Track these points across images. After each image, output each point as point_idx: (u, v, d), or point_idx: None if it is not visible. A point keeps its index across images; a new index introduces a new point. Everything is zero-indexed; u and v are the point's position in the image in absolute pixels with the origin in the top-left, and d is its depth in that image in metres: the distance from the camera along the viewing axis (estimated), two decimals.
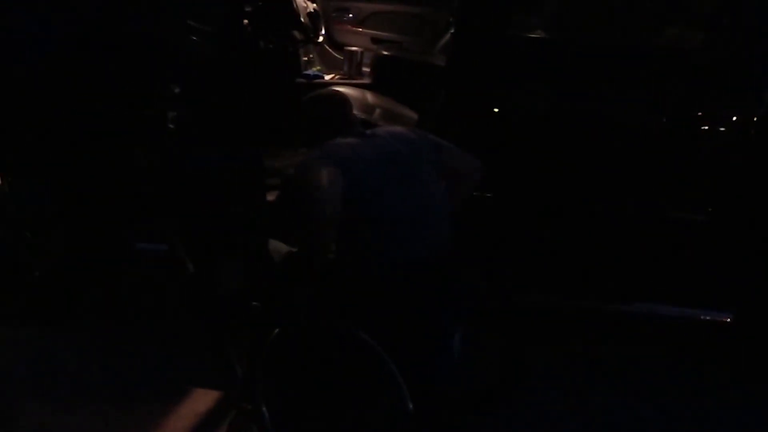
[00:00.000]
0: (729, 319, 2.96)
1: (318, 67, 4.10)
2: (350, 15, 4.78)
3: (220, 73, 2.62)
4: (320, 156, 2.22)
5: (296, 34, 3.37)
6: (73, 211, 3.01)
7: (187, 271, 2.44)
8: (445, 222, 2.32)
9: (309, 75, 3.77)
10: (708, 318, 2.97)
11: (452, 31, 3.83)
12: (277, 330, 2.22)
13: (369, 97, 3.53)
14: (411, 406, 2.07)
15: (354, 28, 4.71)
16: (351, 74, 4.05)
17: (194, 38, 2.63)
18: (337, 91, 2.48)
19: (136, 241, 3.12)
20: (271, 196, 2.68)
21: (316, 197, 2.12)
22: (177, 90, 2.47)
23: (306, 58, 3.70)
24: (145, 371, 2.82)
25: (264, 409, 2.31)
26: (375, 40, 4.61)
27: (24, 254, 3.12)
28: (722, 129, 2.83)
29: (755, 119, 2.81)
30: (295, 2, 3.33)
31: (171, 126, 2.46)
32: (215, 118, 2.57)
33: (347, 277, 2.22)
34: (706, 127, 2.83)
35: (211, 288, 2.44)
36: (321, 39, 3.72)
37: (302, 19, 3.38)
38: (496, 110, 2.89)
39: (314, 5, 3.70)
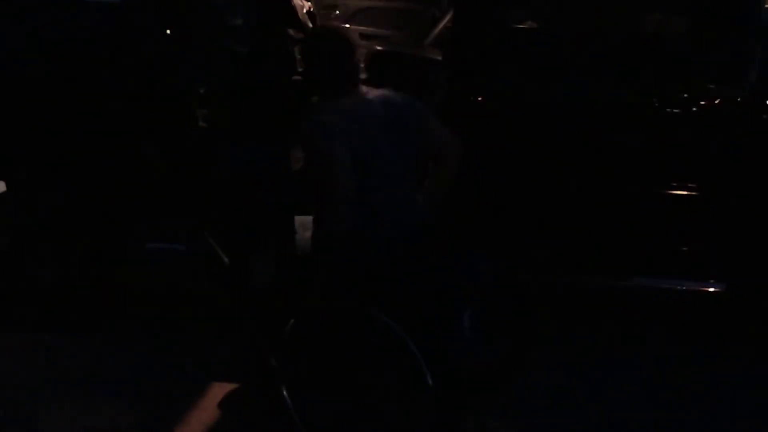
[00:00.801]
0: (721, 290, 3.11)
1: None
2: (337, 12, 4.86)
3: (251, 71, 2.71)
4: (325, 126, 2.31)
5: (292, 32, 3.44)
6: (85, 212, 3.05)
7: (223, 265, 2.51)
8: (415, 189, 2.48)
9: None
10: (702, 289, 3.11)
11: (442, 25, 3.95)
12: (295, 316, 2.30)
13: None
14: (430, 381, 2.17)
15: (342, 25, 4.78)
16: None
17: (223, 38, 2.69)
18: (342, 35, 2.48)
19: (147, 240, 3.19)
20: (297, 165, 2.78)
21: (335, 172, 2.24)
22: (202, 90, 2.54)
23: (300, 56, 3.76)
24: (164, 367, 2.88)
25: (285, 393, 2.40)
26: (363, 36, 4.68)
27: (35, 260, 3.16)
28: (708, 110, 2.96)
29: (738, 100, 2.95)
30: (293, 1, 3.41)
31: (202, 124, 2.53)
32: (250, 114, 2.64)
33: (355, 255, 2.31)
34: (694, 109, 2.96)
35: (245, 280, 2.51)
36: None
37: (300, 18, 3.46)
38: (493, 100, 3.01)
39: (309, 4, 3.77)
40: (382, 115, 2.39)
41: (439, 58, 3.46)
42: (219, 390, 2.77)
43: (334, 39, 2.44)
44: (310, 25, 3.62)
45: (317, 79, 2.45)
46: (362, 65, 4.08)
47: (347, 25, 4.82)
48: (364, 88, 2.47)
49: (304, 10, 3.60)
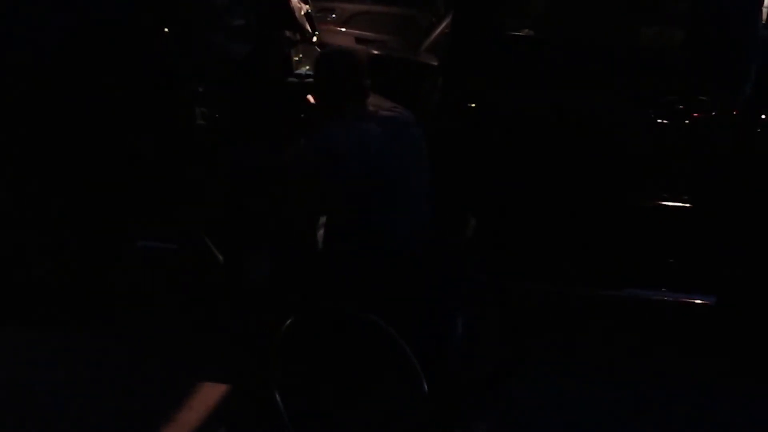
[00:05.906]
0: (712, 303, 3.13)
1: (308, 67, 4.16)
2: (333, 15, 4.85)
3: (249, 72, 2.70)
4: (329, 146, 2.36)
5: (290, 34, 3.44)
6: (76, 209, 3.02)
7: (218, 263, 2.50)
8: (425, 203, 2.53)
9: (300, 74, 3.84)
10: (693, 302, 3.13)
11: (439, 30, 3.97)
12: (291, 317, 2.29)
13: None
14: (426, 388, 2.17)
15: (338, 29, 4.78)
16: None
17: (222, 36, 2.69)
18: (353, 52, 2.58)
19: (137, 238, 3.16)
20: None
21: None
22: (201, 89, 2.54)
23: (297, 58, 3.76)
24: (154, 366, 2.86)
25: (277, 396, 2.38)
26: (359, 40, 4.68)
27: (25, 254, 3.12)
28: (704, 122, 2.99)
29: (734, 113, 2.97)
30: (291, 3, 3.41)
31: (201, 122, 2.52)
32: (247, 115, 2.65)
33: (351, 261, 2.32)
34: (688, 121, 2.99)
35: (240, 279, 2.51)
36: (315, 39, 3.79)
37: (297, 20, 3.46)
38: (488, 108, 3.02)
39: (307, 6, 3.76)
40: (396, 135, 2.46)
41: (435, 63, 3.47)
42: (209, 391, 2.75)
43: (347, 53, 2.54)
44: (308, 27, 3.63)
45: (329, 92, 2.48)
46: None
47: (343, 29, 4.84)
48: (374, 105, 2.51)
49: (302, 12, 3.60)
